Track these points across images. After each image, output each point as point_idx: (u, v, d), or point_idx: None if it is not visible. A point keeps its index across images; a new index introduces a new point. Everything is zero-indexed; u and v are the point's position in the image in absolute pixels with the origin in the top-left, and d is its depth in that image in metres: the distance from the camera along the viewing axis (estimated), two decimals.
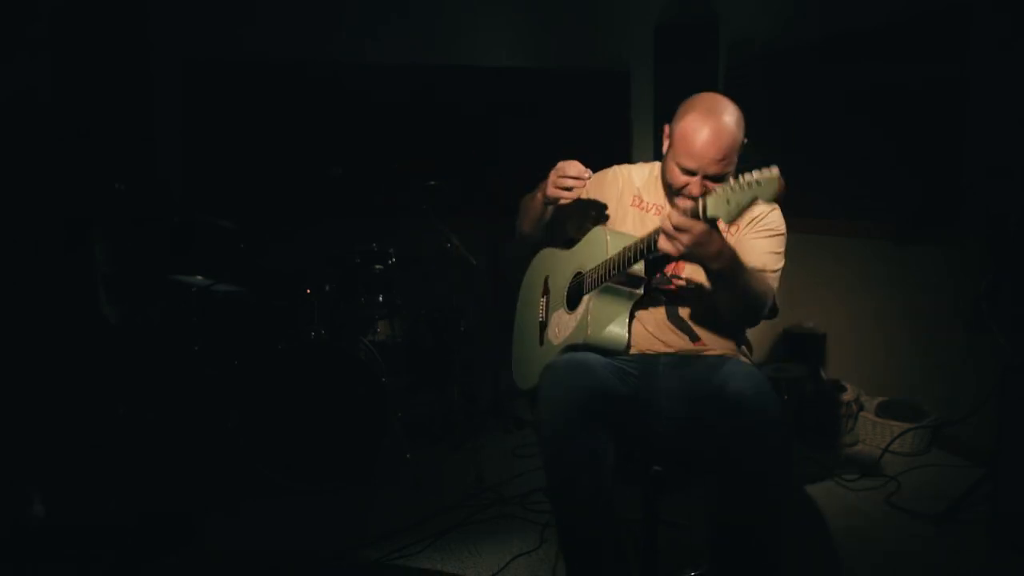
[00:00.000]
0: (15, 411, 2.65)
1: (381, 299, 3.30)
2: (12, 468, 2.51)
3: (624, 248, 1.75)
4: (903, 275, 3.41)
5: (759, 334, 2.08)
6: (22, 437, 2.61)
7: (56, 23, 3.18)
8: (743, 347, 1.99)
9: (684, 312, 1.91)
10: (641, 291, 1.85)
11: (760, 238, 1.87)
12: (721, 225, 1.83)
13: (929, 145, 3.22)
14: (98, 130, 3.55)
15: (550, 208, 1.95)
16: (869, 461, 3.09)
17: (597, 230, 1.94)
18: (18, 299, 2.83)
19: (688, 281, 1.89)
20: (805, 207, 3.85)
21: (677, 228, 1.56)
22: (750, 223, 1.88)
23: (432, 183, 3.41)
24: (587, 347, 1.83)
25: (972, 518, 2.57)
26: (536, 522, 2.59)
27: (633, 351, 1.88)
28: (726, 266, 1.64)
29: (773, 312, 1.88)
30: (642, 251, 1.70)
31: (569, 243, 2.11)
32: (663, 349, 1.91)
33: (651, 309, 1.90)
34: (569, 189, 1.83)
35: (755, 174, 1.46)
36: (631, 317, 1.85)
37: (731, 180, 1.49)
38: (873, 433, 3.27)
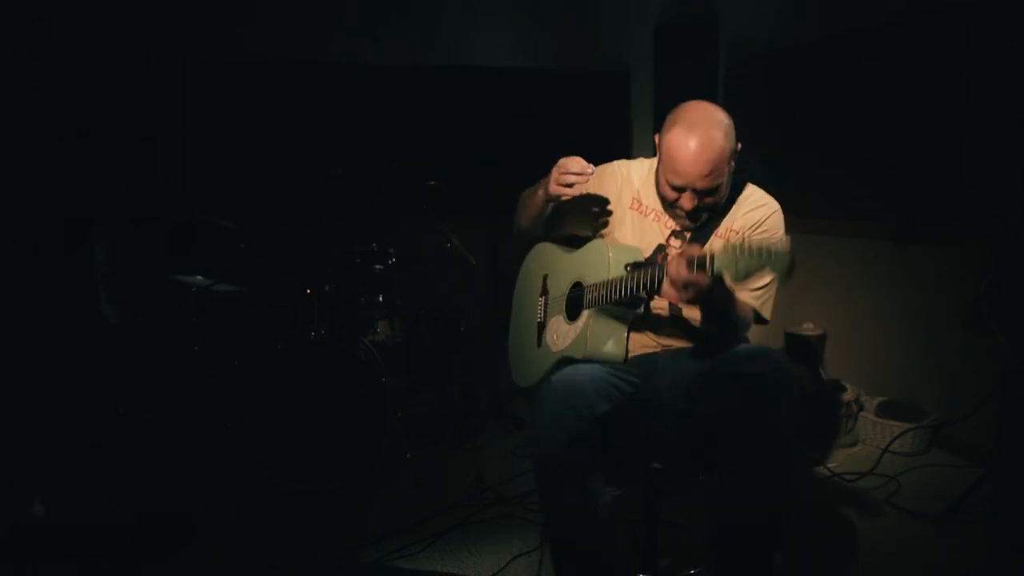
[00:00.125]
0: (15, 411, 2.65)
1: (381, 299, 3.30)
2: (12, 468, 2.51)
3: (627, 276, 1.73)
4: (903, 275, 3.41)
5: (759, 334, 2.07)
6: (22, 437, 2.60)
7: (56, 23, 3.18)
8: None
9: (683, 319, 1.91)
10: (641, 310, 1.87)
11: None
12: (729, 234, 1.85)
13: (929, 145, 3.22)
14: (98, 130, 3.55)
15: (550, 204, 1.94)
16: (869, 461, 3.09)
17: (599, 244, 1.91)
18: (18, 299, 2.83)
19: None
20: (805, 207, 3.85)
21: (684, 284, 1.54)
22: (750, 229, 1.87)
23: (432, 183, 3.41)
24: (585, 360, 1.83)
25: (972, 518, 2.57)
26: (536, 522, 2.59)
27: (632, 354, 1.88)
28: (723, 309, 1.67)
29: (761, 320, 1.91)
30: (646, 286, 1.67)
31: (567, 240, 2.10)
32: (661, 349, 1.92)
33: (650, 318, 1.92)
34: (571, 185, 1.82)
35: (768, 243, 1.41)
36: (629, 331, 1.85)
37: (745, 241, 1.43)
38: (873, 433, 3.27)
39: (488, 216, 3.50)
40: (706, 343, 1.87)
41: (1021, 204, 2.74)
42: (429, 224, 3.41)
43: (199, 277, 3.12)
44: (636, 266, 1.80)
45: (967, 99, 3.04)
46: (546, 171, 1.93)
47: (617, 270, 1.80)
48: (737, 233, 1.87)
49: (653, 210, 1.93)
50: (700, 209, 1.79)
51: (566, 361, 1.87)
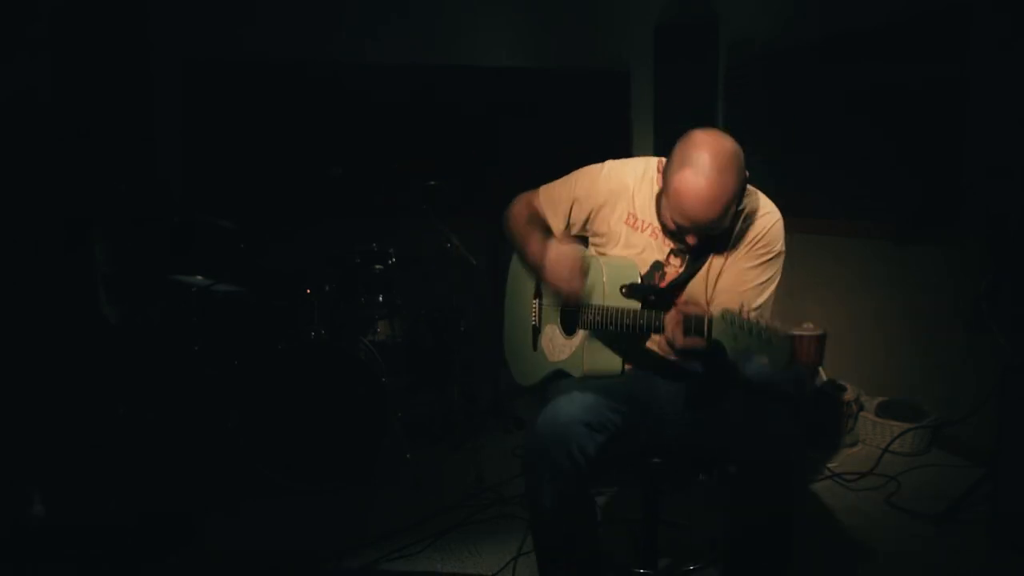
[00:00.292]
0: (15, 411, 2.65)
1: (381, 299, 3.30)
2: (12, 468, 2.50)
3: (623, 314, 1.70)
4: (903, 275, 3.41)
5: None
6: (22, 437, 2.60)
7: (56, 23, 3.18)
8: None
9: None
10: (638, 333, 1.82)
11: (753, 266, 1.79)
12: (729, 252, 1.80)
13: (929, 145, 3.22)
14: (98, 130, 3.54)
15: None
16: (869, 461, 3.09)
17: (594, 264, 1.83)
18: (18, 299, 2.83)
19: None
20: (805, 207, 3.85)
21: (682, 349, 1.53)
22: (750, 243, 1.79)
23: (432, 183, 3.41)
24: (582, 377, 1.83)
25: (972, 518, 2.57)
26: None
27: (629, 368, 1.87)
28: (723, 362, 1.60)
29: None
30: (642, 329, 1.66)
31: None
32: (657, 367, 1.88)
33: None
34: None
35: (772, 331, 1.37)
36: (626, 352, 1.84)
37: (749, 318, 1.39)
38: (873, 433, 3.27)
39: (488, 216, 3.49)
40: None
41: (1021, 204, 2.74)
42: (429, 224, 3.41)
43: (199, 277, 3.12)
44: (632, 289, 1.77)
45: (967, 99, 3.04)
46: (547, 171, 1.93)
47: (613, 295, 1.76)
48: (735, 249, 1.80)
49: (651, 226, 1.84)
50: (701, 243, 1.73)
51: (562, 374, 1.89)
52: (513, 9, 4.70)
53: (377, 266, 3.30)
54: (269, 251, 3.53)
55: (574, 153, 1.97)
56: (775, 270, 1.81)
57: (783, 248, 1.81)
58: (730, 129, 4.74)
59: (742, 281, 1.78)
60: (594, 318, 1.78)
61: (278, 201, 4.23)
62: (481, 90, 4.66)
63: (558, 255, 1.75)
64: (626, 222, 1.86)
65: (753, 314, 1.40)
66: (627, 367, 1.86)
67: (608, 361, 1.83)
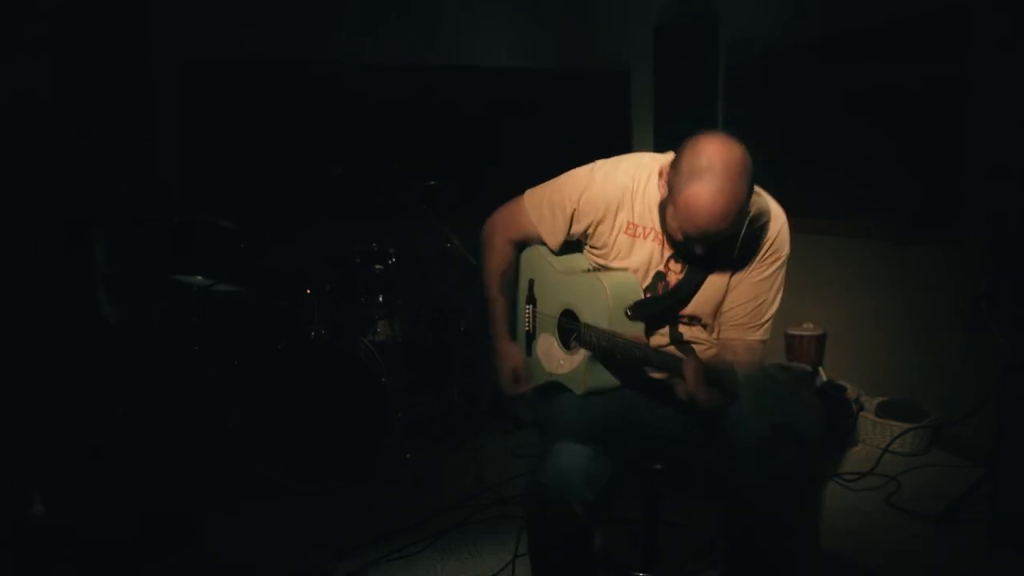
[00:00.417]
0: (15, 411, 2.65)
1: (381, 299, 3.30)
2: (12, 468, 2.50)
3: (635, 345, 1.64)
4: (903, 275, 3.41)
5: None
6: (22, 437, 2.60)
7: (56, 23, 3.18)
8: None
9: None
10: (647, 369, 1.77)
11: (767, 276, 1.76)
12: (738, 261, 1.75)
13: (929, 145, 3.22)
14: (98, 130, 3.54)
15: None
16: (869, 461, 3.09)
17: (596, 283, 1.76)
18: (18, 299, 2.83)
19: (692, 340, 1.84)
20: (805, 207, 3.85)
21: (705, 404, 1.47)
22: (762, 252, 1.74)
23: (432, 183, 3.41)
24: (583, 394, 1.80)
25: (972, 518, 2.57)
26: None
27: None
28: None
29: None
30: (652, 365, 1.60)
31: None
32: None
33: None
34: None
35: (801, 403, 1.34)
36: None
37: (780, 387, 1.36)
38: (873, 433, 3.27)
39: (488, 216, 3.50)
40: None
41: (1021, 204, 2.74)
42: (429, 224, 3.41)
43: (199, 277, 3.12)
44: (637, 310, 1.73)
45: (967, 99, 3.04)
46: (546, 171, 1.92)
47: (618, 318, 1.71)
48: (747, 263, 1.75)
49: (652, 231, 1.77)
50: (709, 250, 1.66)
51: (557, 385, 1.86)
52: (513, 9, 4.70)
53: (377, 266, 3.30)
54: (269, 251, 3.53)
55: (574, 153, 1.96)
56: (784, 273, 1.80)
57: (789, 249, 1.79)
58: (730, 129, 4.75)
59: (759, 292, 1.75)
60: (599, 343, 1.71)
61: (278, 201, 4.23)
62: (481, 90, 4.66)
63: (507, 353, 1.98)
64: (626, 232, 1.79)
65: (787, 385, 1.36)
66: (624, 385, 1.82)
67: (609, 380, 1.80)
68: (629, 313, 1.72)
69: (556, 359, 1.88)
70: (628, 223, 1.78)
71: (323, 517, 2.70)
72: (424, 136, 4.58)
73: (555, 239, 1.88)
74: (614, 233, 1.80)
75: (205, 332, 3.11)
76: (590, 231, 1.84)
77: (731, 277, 1.76)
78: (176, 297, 3.12)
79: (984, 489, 2.56)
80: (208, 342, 3.09)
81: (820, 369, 3.55)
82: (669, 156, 1.68)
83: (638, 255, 1.78)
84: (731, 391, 1.42)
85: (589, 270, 1.86)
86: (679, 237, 1.63)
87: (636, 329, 1.73)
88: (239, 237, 3.22)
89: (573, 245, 1.96)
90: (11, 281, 2.81)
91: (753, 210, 1.72)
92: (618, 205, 1.78)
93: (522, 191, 1.99)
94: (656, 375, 1.74)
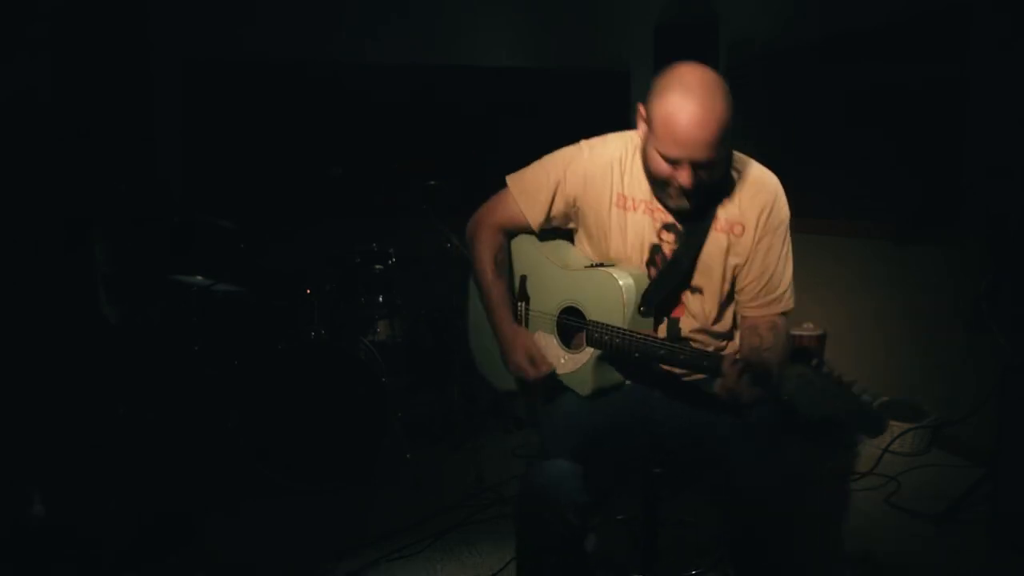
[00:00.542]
0: (15, 411, 2.65)
1: (381, 299, 3.30)
2: (12, 468, 2.50)
3: (660, 342, 1.60)
4: (903, 275, 3.41)
5: None
6: (22, 437, 2.60)
7: (56, 23, 3.18)
8: None
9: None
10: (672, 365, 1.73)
11: (773, 246, 1.72)
12: (737, 230, 1.70)
13: (929, 145, 3.22)
14: (98, 130, 3.54)
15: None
16: (869, 461, 3.09)
17: (607, 279, 1.70)
18: (18, 299, 2.83)
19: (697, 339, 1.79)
20: (805, 207, 3.83)
21: (748, 401, 1.44)
22: (763, 221, 1.70)
23: (432, 183, 3.40)
24: (582, 397, 1.76)
25: (972, 518, 2.57)
26: None
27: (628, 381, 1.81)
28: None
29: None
30: (683, 363, 1.58)
31: (549, 242, 1.93)
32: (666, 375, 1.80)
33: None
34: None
35: (858, 397, 1.29)
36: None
37: (826, 378, 1.32)
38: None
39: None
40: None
41: (1021, 204, 2.74)
42: (429, 224, 3.41)
43: (199, 277, 3.12)
44: (647, 299, 1.68)
45: (967, 99, 3.04)
46: None
47: (631, 314, 1.66)
48: (754, 230, 1.70)
49: (642, 202, 1.72)
50: (697, 188, 1.57)
51: (558, 385, 1.81)
52: (513, 9, 4.71)
53: (377, 266, 3.30)
54: (269, 251, 3.53)
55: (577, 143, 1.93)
56: (789, 241, 1.76)
57: (789, 214, 1.75)
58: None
59: (768, 263, 1.72)
60: (613, 341, 1.66)
61: (278, 201, 4.23)
62: (481, 90, 4.67)
63: (515, 337, 1.81)
64: (617, 204, 1.74)
65: (835, 374, 1.32)
66: (627, 381, 1.79)
67: (615, 378, 1.77)
68: (643, 309, 1.68)
69: (556, 358, 1.81)
70: (619, 195, 1.74)
71: (323, 517, 2.70)
72: (424, 136, 4.58)
73: (537, 217, 1.82)
74: (604, 207, 1.75)
75: (205, 332, 3.11)
76: (575, 209, 1.79)
77: (729, 236, 1.69)
78: (176, 297, 3.12)
79: (984, 489, 2.56)
80: (208, 342, 3.09)
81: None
82: None
83: (632, 229, 1.74)
84: (773, 385, 1.40)
85: (591, 265, 1.80)
86: (661, 167, 1.56)
87: (649, 324, 1.70)
88: (239, 237, 3.22)
89: (564, 237, 1.91)
90: (11, 281, 2.81)
91: (746, 182, 1.70)
92: (607, 176, 1.74)
93: (481, 267, 1.95)
94: (677, 371, 1.74)
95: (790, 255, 1.76)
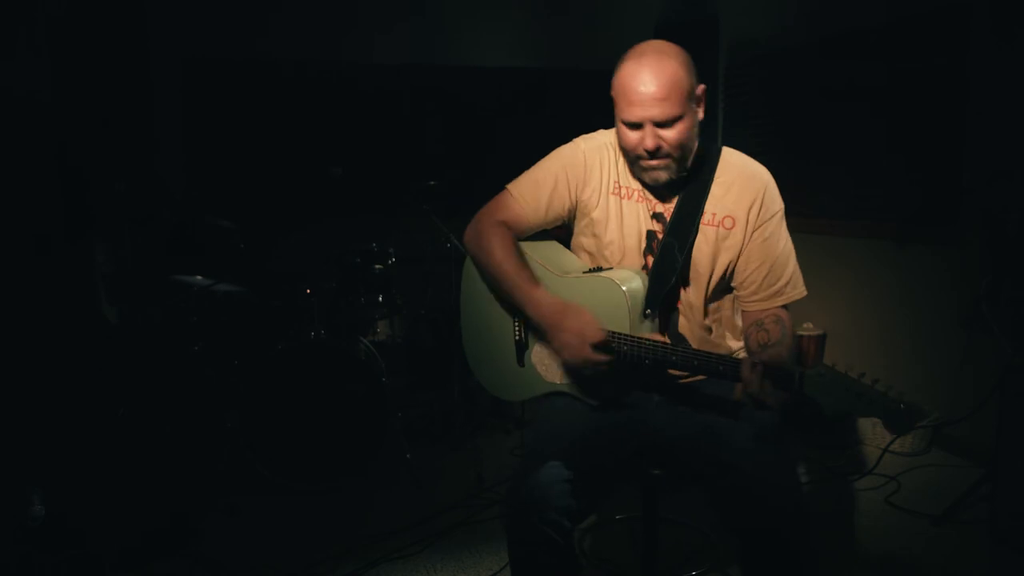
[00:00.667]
0: (15, 411, 2.65)
1: (381, 299, 3.30)
2: (12, 468, 2.50)
3: (674, 348, 1.58)
4: (903, 275, 3.41)
5: None
6: (22, 437, 2.60)
7: (56, 23, 3.18)
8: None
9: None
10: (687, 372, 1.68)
11: (768, 237, 1.70)
12: (727, 224, 1.69)
13: (929, 145, 3.23)
14: (98, 130, 3.54)
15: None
16: (869, 461, 3.09)
17: (612, 286, 1.66)
18: (18, 299, 2.83)
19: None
20: (805, 206, 3.85)
21: (772, 404, 1.42)
22: (755, 213, 1.70)
23: (432, 183, 3.41)
24: (589, 406, 1.73)
25: (972, 518, 2.57)
26: None
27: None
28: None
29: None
30: (698, 369, 1.54)
31: (544, 245, 1.89)
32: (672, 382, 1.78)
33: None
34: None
35: (885, 396, 1.28)
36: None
37: (849, 377, 1.33)
38: (873, 433, 3.27)
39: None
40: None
41: (1021, 204, 2.74)
42: (429, 224, 3.41)
43: (199, 277, 3.12)
44: (652, 302, 1.66)
45: (967, 99, 3.04)
46: None
47: (636, 319, 1.63)
48: (746, 223, 1.69)
49: (635, 190, 1.74)
50: (664, 151, 1.60)
51: (560, 394, 1.77)
52: (513, 9, 4.70)
53: (377, 266, 3.30)
54: (269, 251, 3.53)
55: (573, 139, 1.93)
56: (786, 230, 1.75)
57: (782, 204, 1.74)
58: (730, 128, 4.75)
59: (767, 254, 1.71)
60: (622, 348, 1.61)
61: (278, 201, 4.23)
62: (481, 90, 4.66)
63: (561, 310, 1.63)
64: (614, 192, 1.76)
65: (853, 373, 1.32)
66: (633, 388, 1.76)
67: (624, 386, 1.73)
68: (648, 312, 1.67)
69: (558, 368, 1.76)
70: (615, 183, 1.77)
71: (323, 517, 2.70)
72: (424, 136, 4.58)
73: (539, 212, 1.80)
74: (602, 196, 1.77)
75: (205, 332, 3.11)
76: (577, 200, 1.79)
77: (719, 230, 1.70)
78: (176, 297, 3.12)
79: (984, 489, 2.56)
80: (208, 342, 3.09)
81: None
82: None
83: (629, 219, 1.75)
84: (796, 385, 1.40)
85: (590, 271, 1.78)
86: (629, 137, 1.63)
87: (653, 328, 1.68)
88: (239, 237, 3.22)
89: (559, 242, 1.88)
90: (11, 281, 2.81)
91: (729, 173, 1.72)
92: (604, 165, 1.77)
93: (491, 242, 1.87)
94: (678, 373, 1.71)
95: (790, 244, 1.75)
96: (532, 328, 1.82)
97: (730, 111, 4.54)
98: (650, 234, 1.74)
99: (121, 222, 3.32)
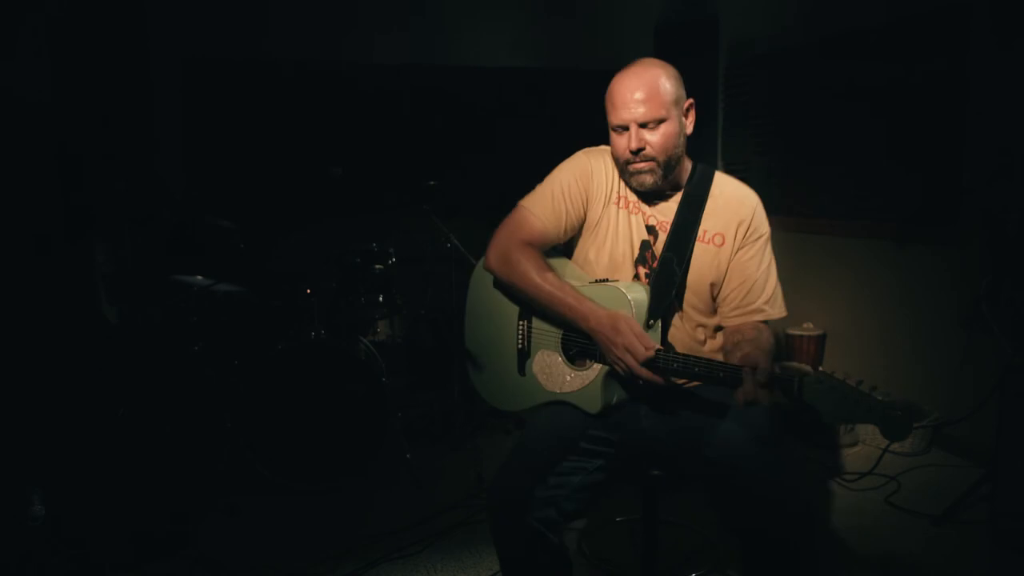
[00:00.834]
0: (15, 411, 2.65)
1: (381, 299, 3.30)
2: (12, 468, 2.50)
3: (677, 357, 1.60)
4: (903, 275, 3.41)
5: None
6: (22, 437, 2.60)
7: (56, 23, 3.18)
8: None
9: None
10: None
11: (751, 257, 1.77)
12: (718, 241, 1.76)
13: (929, 145, 3.23)
14: (98, 130, 3.54)
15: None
16: (869, 461, 3.09)
17: (618, 294, 1.70)
18: (18, 299, 2.83)
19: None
20: (805, 207, 3.85)
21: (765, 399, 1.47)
22: (740, 232, 1.77)
23: (432, 183, 3.41)
24: (589, 415, 1.74)
25: (972, 518, 2.57)
26: None
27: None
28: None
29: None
30: (703, 376, 1.57)
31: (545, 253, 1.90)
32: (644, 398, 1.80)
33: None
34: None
35: (884, 403, 1.30)
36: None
37: (847, 384, 1.36)
38: (873, 433, 3.27)
39: (488, 216, 3.50)
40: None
41: (1021, 204, 2.74)
42: (429, 224, 3.41)
43: (199, 277, 3.12)
44: (654, 313, 1.69)
45: (967, 99, 3.04)
46: (546, 171, 1.90)
47: (640, 319, 1.67)
48: (733, 241, 1.77)
49: (632, 202, 1.82)
50: (647, 153, 1.69)
51: (561, 403, 1.78)
52: (513, 9, 4.70)
53: (377, 266, 3.30)
54: (269, 251, 3.52)
55: (573, 153, 1.94)
56: (770, 253, 1.81)
57: (768, 229, 1.81)
58: (730, 129, 4.75)
59: (749, 272, 1.76)
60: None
61: (278, 201, 4.22)
62: (481, 90, 4.66)
63: (612, 319, 1.64)
64: (615, 202, 1.83)
65: (852, 380, 1.35)
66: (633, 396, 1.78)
67: (622, 394, 1.75)
68: (651, 323, 1.69)
69: (560, 377, 1.79)
70: (617, 194, 1.84)
71: (323, 517, 2.70)
72: (424, 136, 4.58)
73: (557, 227, 1.83)
74: (604, 205, 1.83)
75: (205, 332, 3.11)
76: (586, 209, 1.84)
77: (710, 247, 1.76)
78: (176, 297, 3.12)
79: (984, 489, 2.56)
80: (208, 342, 3.09)
81: (819, 369, 3.54)
82: None
83: (625, 228, 1.81)
84: (796, 392, 1.43)
85: (596, 281, 1.81)
86: (618, 144, 1.73)
87: (657, 338, 1.70)
88: (239, 237, 3.22)
89: (562, 254, 1.91)
90: (11, 281, 2.82)
91: (722, 195, 1.79)
92: (605, 174, 1.84)
93: (521, 190, 1.93)
94: (679, 380, 1.74)
95: (772, 267, 1.81)
96: (534, 336, 1.86)
97: (730, 111, 4.54)
98: (644, 244, 1.81)
99: (121, 222, 3.32)
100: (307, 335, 2.97)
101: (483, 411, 3.66)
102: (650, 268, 1.78)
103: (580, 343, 1.76)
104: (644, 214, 1.81)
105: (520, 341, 1.88)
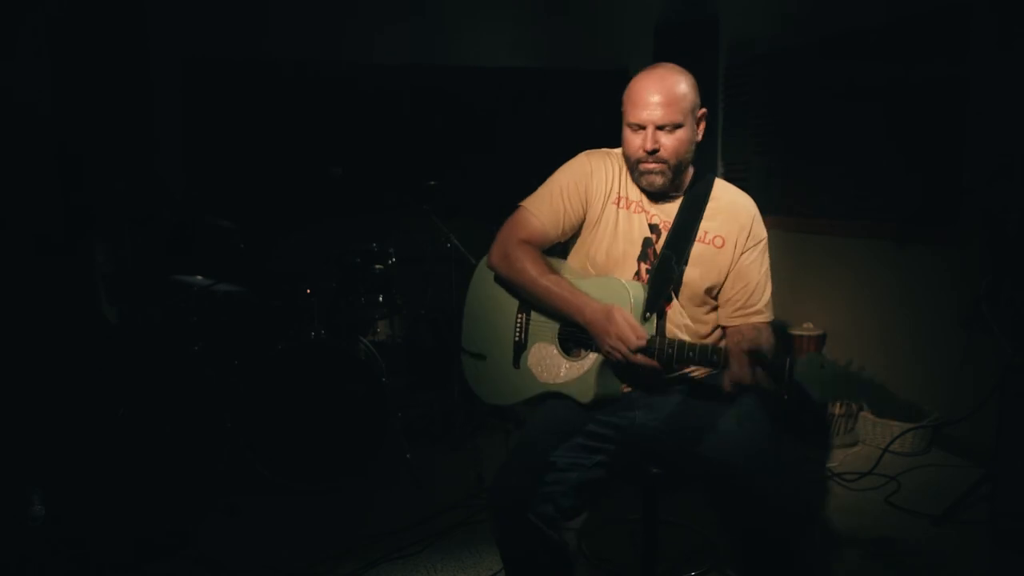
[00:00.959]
0: (15, 411, 2.65)
1: (381, 299, 3.30)
2: (12, 468, 2.50)
3: (671, 342, 1.65)
4: (903, 275, 3.41)
5: None
6: (22, 437, 2.60)
7: (56, 24, 3.18)
8: None
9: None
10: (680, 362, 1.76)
11: (752, 261, 1.82)
12: (718, 243, 1.80)
13: (929, 145, 3.23)
14: (98, 130, 3.54)
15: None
16: (869, 461, 3.09)
17: (619, 286, 1.75)
18: (18, 299, 2.83)
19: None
20: (805, 207, 3.85)
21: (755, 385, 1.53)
22: (741, 237, 1.82)
23: (432, 183, 3.41)
24: (582, 405, 1.77)
25: (972, 518, 2.57)
26: None
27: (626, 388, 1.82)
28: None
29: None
30: (697, 361, 1.66)
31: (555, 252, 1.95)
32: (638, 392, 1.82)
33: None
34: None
35: (859, 377, 1.42)
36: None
37: (835, 364, 1.45)
38: (873, 433, 3.27)
39: (488, 216, 3.50)
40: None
41: (1021, 204, 2.74)
42: (429, 224, 3.41)
43: (199, 277, 3.12)
44: (650, 306, 1.73)
45: (967, 99, 3.04)
46: (546, 171, 1.91)
47: (637, 318, 1.70)
48: (734, 246, 1.82)
49: (635, 202, 1.86)
50: (661, 155, 1.73)
51: (554, 395, 1.81)
52: (513, 9, 4.70)
53: (377, 266, 3.30)
54: (269, 251, 3.52)
55: (574, 153, 1.95)
56: (767, 257, 1.87)
57: (766, 234, 1.87)
58: (730, 129, 4.75)
59: (750, 277, 1.82)
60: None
61: (278, 201, 4.23)
62: (481, 90, 4.66)
63: (606, 312, 1.69)
64: (615, 203, 1.87)
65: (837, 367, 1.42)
66: (625, 388, 1.80)
67: (616, 385, 1.78)
68: (647, 315, 1.73)
69: (555, 368, 1.82)
70: (618, 195, 1.87)
71: (323, 517, 2.70)
72: (424, 136, 4.58)
73: (556, 227, 1.88)
74: (604, 205, 1.87)
75: (205, 332, 3.11)
76: (586, 208, 1.87)
77: (710, 248, 1.81)
78: (176, 297, 3.12)
79: (984, 489, 2.56)
80: (208, 342, 3.09)
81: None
82: None
83: (627, 227, 1.84)
84: (786, 373, 1.50)
85: (593, 275, 1.85)
86: (631, 141, 1.76)
87: (651, 331, 1.73)
88: (239, 237, 3.22)
89: (557, 254, 1.94)
90: (11, 281, 2.82)
91: (722, 199, 1.85)
92: (609, 176, 1.88)
93: (521, 190, 1.96)
94: (675, 374, 1.78)
95: (769, 273, 1.87)
96: (531, 329, 1.89)
97: (730, 111, 4.54)
98: (647, 241, 1.85)
99: (121, 222, 3.32)
100: (307, 335, 2.97)
101: (483, 411, 3.66)
102: (651, 264, 1.82)
103: (576, 335, 1.80)
104: (648, 213, 1.85)
105: (517, 334, 1.92)
